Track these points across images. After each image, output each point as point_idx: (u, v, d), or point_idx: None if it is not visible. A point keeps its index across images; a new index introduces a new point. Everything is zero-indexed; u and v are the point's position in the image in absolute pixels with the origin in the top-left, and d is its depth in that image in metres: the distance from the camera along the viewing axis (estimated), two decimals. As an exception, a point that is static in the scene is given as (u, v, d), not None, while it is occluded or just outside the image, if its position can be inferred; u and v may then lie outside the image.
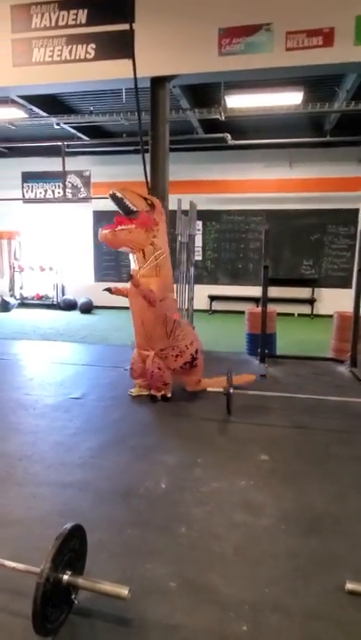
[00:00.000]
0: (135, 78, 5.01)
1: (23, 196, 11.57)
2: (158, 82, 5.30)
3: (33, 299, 11.74)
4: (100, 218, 10.88)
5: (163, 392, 4.30)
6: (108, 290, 4.31)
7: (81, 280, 11.66)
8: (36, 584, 1.55)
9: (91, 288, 11.15)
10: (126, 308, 4.32)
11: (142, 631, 1.76)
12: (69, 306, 11.31)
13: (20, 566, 1.78)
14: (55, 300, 11.57)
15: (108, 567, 2.03)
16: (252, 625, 1.78)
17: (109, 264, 11.55)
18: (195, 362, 4.37)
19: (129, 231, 3.88)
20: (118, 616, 1.80)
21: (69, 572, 1.70)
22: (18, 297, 11.67)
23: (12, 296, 11.57)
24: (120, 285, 4.34)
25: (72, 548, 1.75)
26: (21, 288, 11.89)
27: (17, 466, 3.03)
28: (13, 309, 11.08)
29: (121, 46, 5.12)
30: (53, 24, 5.33)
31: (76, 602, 1.75)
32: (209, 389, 4.09)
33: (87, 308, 10.90)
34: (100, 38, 5.22)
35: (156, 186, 5.47)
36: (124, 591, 1.65)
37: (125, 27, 5.05)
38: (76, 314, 10.80)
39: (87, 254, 11.69)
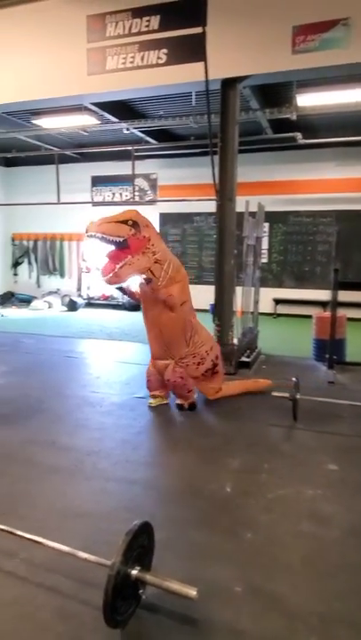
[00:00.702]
0: (207, 81, 5.04)
1: (92, 199, 11.95)
2: (229, 83, 5.28)
3: (99, 299, 12.09)
4: (166, 220, 10.99)
5: (190, 400, 4.16)
6: (121, 289, 4.15)
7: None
8: (108, 576, 1.59)
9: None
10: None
11: (208, 633, 1.75)
12: (134, 307, 11.49)
13: (92, 558, 1.83)
14: (120, 300, 11.85)
15: (173, 566, 2.04)
16: (321, 638, 1.73)
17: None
18: (215, 368, 4.26)
19: (129, 264, 3.71)
20: (184, 615, 1.81)
21: (138, 568, 1.73)
22: (85, 297, 12.08)
23: (79, 296, 11.99)
24: None
25: (141, 544, 1.78)
26: (88, 288, 12.28)
27: (85, 461, 3.14)
28: (80, 309, 11.49)
29: (192, 50, 5.16)
30: (127, 32, 5.46)
31: (144, 597, 1.78)
32: (274, 394, 4.00)
33: (151, 309, 11.07)
34: (172, 43, 5.28)
35: (225, 188, 5.45)
36: (193, 592, 1.65)
37: (196, 30, 5.10)
38: (140, 314, 10.97)
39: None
